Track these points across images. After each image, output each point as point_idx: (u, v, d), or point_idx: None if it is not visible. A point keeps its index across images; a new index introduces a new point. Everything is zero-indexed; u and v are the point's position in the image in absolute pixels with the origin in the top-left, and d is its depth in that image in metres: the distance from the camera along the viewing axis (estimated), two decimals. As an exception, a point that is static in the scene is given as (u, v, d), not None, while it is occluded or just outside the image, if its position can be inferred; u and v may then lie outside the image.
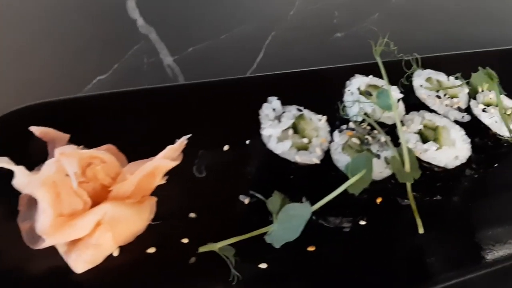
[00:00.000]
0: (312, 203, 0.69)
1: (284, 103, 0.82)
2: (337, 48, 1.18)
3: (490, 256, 0.83)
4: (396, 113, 0.75)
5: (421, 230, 0.80)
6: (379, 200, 0.84)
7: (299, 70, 0.97)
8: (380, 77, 0.84)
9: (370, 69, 0.91)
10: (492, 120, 0.85)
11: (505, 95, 0.99)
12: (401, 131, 0.74)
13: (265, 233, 0.70)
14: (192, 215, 0.76)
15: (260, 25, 1.18)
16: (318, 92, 0.85)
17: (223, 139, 0.86)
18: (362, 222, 0.82)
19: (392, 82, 0.93)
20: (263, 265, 0.73)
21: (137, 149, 0.79)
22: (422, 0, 1.41)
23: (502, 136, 0.84)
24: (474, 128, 0.86)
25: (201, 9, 1.16)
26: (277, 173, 0.77)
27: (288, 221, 0.70)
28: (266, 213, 0.72)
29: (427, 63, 1.01)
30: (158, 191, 0.76)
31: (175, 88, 0.90)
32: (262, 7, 1.22)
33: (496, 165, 0.92)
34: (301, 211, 0.69)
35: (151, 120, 0.85)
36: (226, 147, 0.86)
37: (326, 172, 0.74)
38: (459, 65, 1.02)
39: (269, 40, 1.14)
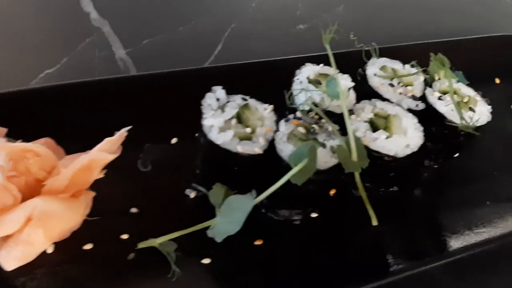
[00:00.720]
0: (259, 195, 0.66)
1: (235, 93, 0.79)
2: (299, 39, 1.15)
3: (446, 247, 0.80)
4: (343, 101, 0.72)
5: (374, 222, 0.78)
6: (332, 192, 0.82)
7: (252, 61, 0.94)
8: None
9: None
10: (447, 108, 0.82)
11: (467, 84, 0.97)
12: (348, 119, 0.72)
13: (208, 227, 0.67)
14: (134, 210, 0.73)
15: (219, 17, 1.15)
16: (271, 82, 0.82)
17: (171, 131, 0.84)
18: (314, 215, 0.79)
19: (351, 72, 0.91)
20: (206, 260, 0.70)
21: (79, 142, 0.76)
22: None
23: (458, 124, 0.81)
24: (430, 117, 0.83)
25: (159, 1, 1.14)
26: (221, 165, 0.74)
27: (231, 214, 0.67)
28: (213, 207, 0.69)
29: (389, 53, 0.99)
30: (98, 186, 0.73)
31: (122, 80, 0.87)
32: (221, 0, 1.19)
33: (451, 153, 0.90)
34: (243, 203, 0.66)
35: (95, 113, 0.81)
36: (174, 140, 0.83)
37: (271, 163, 0.71)
38: (421, 54, 0.99)
39: (228, 32, 1.12)
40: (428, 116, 0.84)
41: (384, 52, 0.98)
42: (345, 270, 0.75)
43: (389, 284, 0.73)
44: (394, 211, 0.82)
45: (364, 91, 0.85)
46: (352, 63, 0.94)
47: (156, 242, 0.68)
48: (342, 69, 0.87)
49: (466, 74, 1.00)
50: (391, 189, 0.85)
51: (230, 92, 0.78)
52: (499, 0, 1.53)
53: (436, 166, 0.91)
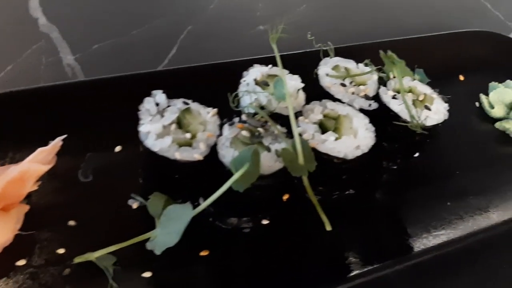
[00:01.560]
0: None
1: (181, 97, 0.76)
2: (259, 41, 1.12)
3: (404, 250, 0.77)
4: (289, 102, 0.69)
5: (328, 227, 0.75)
6: (285, 197, 0.79)
7: (200, 64, 0.91)
8: (289, 66, 0.79)
9: (285, 61, 0.86)
10: (401, 107, 0.79)
11: (429, 82, 0.94)
12: (294, 121, 0.69)
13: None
14: (72, 223, 0.70)
15: (176, 19, 1.12)
16: (219, 85, 0.78)
17: (115, 139, 0.80)
18: (265, 222, 0.76)
19: (307, 72, 0.88)
20: (147, 274, 0.67)
21: (15, 153, 0.73)
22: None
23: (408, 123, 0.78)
24: (384, 116, 0.80)
25: (110, 5, 1.10)
26: (160, 173, 0.70)
27: (170, 225, 0.63)
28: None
29: (348, 52, 0.97)
30: (35, 198, 0.69)
31: (62, 87, 0.83)
32: (178, 2, 1.16)
33: (410, 153, 0.87)
34: (182, 213, 0.63)
35: (36, 122, 0.78)
36: (118, 148, 0.79)
37: (213, 169, 0.67)
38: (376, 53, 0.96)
39: (184, 34, 1.08)
40: (382, 116, 0.81)
41: (344, 52, 0.96)
42: (297, 279, 0.71)
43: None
44: (351, 215, 0.79)
45: (315, 92, 0.82)
46: (309, 63, 0.91)
47: (93, 256, 0.65)
48: (298, 70, 0.84)
49: (430, 71, 0.98)
50: (347, 192, 0.82)
51: (175, 95, 0.74)
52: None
53: (395, 167, 0.88)
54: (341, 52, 0.96)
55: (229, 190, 0.63)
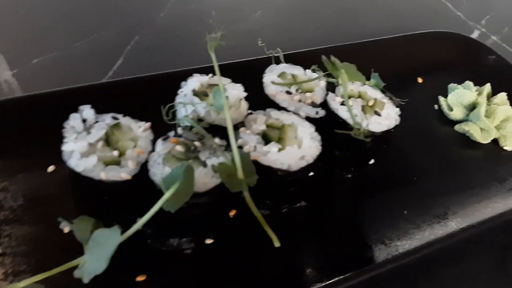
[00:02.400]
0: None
1: (115, 111, 0.71)
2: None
3: (359, 263, 0.73)
4: (227, 113, 0.65)
5: (276, 243, 0.70)
6: (232, 213, 0.74)
7: (141, 75, 0.86)
8: (236, 75, 0.75)
9: (232, 69, 0.83)
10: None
11: (384, 86, 0.91)
12: (232, 133, 0.64)
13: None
14: (-1, 250, 0.64)
15: (122, 30, 1.07)
16: (159, 97, 0.74)
17: (48, 158, 0.74)
18: (209, 241, 0.71)
19: (254, 80, 0.84)
20: (77, 304, 0.61)
21: None
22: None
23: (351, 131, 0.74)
24: (333, 123, 0.76)
25: (52, 18, 1.05)
26: (89, 195, 0.65)
27: (98, 251, 0.58)
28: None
29: (301, 58, 0.93)
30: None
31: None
32: (126, 11, 1.12)
33: (365, 160, 0.83)
34: (109, 237, 0.58)
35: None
36: (51, 168, 0.74)
37: (144, 189, 0.63)
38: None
39: (131, 45, 1.03)
40: (331, 123, 0.77)
41: (298, 58, 0.93)
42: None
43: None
44: (303, 228, 0.75)
45: (260, 101, 0.77)
46: (258, 71, 0.88)
47: (18, 286, 0.60)
48: (245, 78, 0.80)
49: (388, 74, 0.94)
50: (298, 205, 0.77)
51: (109, 110, 0.70)
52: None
53: (349, 176, 0.84)
54: (294, 58, 0.92)
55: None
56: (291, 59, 0.92)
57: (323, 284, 0.70)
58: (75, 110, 0.70)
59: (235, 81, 0.78)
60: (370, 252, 0.75)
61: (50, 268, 0.60)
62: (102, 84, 0.85)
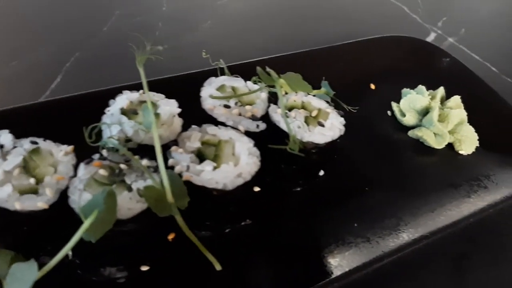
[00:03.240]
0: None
1: (37, 134, 0.67)
2: (156, 63, 1.03)
3: (306, 283, 0.69)
4: (154, 131, 0.61)
5: (217, 267, 0.66)
6: (171, 236, 0.69)
7: (68, 95, 0.81)
8: (173, 89, 0.71)
9: (171, 84, 0.79)
10: (293, 125, 0.72)
11: (334, 94, 0.87)
12: (159, 153, 0.61)
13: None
14: None
15: (62, 46, 1.02)
16: (87, 117, 0.69)
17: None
18: (144, 268, 0.66)
19: (192, 95, 0.80)
20: None
21: None
22: (257, 6, 1.30)
23: (306, 141, 0.71)
24: (273, 137, 0.73)
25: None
26: (6, 227, 0.60)
27: (16, 286, 0.54)
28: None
29: (247, 69, 0.88)
30: None
31: None
32: (67, 26, 1.07)
33: (307, 173, 0.79)
34: (26, 272, 0.54)
35: None
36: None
37: (64, 218, 0.58)
38: (284, 67, 0.88)
39: (71, 62, 0.99)
40: (273, 136, 0.73)
41: (242, 69, 0.89)
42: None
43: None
44: (249, 247, 0.71)
45: (197, 116, 0.73)
46: (198, 84, 0.84)
47: None
48: (182, 93, 0.76)
49: (340, 81, 0.91)
50: (242, 223, 0.73)
51: (27, 134, 0.65)
52: (382, 2, 1.46)
53: (297, 189, 0.80)
54: (240, 69, 0.89)
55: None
56: (236, 70, 0.88)
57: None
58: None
59: (170, 96, 0.74)
60: (320, 269, 0.71)
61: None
62: (24, 107, 0.80)
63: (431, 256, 0.77)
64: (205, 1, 1.27)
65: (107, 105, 0.73)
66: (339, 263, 0.72)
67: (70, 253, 0.58)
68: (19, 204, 0.56)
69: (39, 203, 0.57)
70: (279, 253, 0.73)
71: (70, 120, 0.70)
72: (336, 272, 0.71)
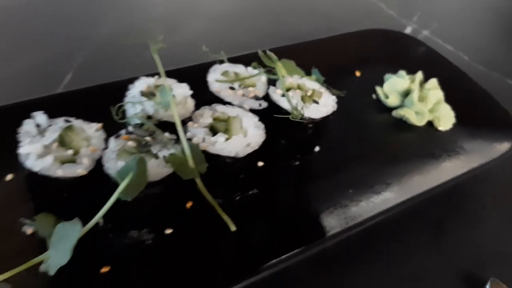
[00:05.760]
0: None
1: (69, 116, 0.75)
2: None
3: (309, 239, 0.78)
4: (174, 108, 0.70)
5: (232, 228, 0.75)
6: (189, 204, 0.78)
7: (90, 86, 0.90)
8: (182, 77, 0.80)
9: (178, 73, 0.88)
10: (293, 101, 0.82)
11: (323, 80, 0.98)
12: (180, 126, 0.70)
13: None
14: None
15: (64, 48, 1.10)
16: (110, 102, 0.78)
17: (5, 168, 0.77)
18: (168, 231, 0.75)
19: (199, 81, 0.89)
20: (46, 298, 0.64)
21: None
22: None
23: (304, 117, 0.81)
24: (274, 113, 0.82)
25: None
26: (47, 193, 0.69)
27: (60, 244, 0.62)
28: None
29: (244, 60, 0.98)
30: None
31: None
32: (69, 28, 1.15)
33: (304, 148, 0.89)
34: (70, 231, 0.62)
35: None
36: (9, 177, 0.77)
37: (100, 183, 0.67)
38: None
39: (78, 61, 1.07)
40: (274, 113, 0.83)
41: (237, 61, 0.98)
42: (207, 283, 0.70)
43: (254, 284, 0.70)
44: (256, 212, 0.80)
45: (206, 98, 0.83)
46: (203, 73, 0.93)
47: (-18, 286, 0.63)
48: (190, 80, 0.86)
49: (327, 71, 1.01)
50: (250, 192, 0.83)
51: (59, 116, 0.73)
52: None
53: (297, 163, 0.90)
54: (235, 62, 0.98)
55: (126, 203, 0.63)
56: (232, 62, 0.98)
57: (279, 259, 0.74)
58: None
59: (180, 81, 0.83)
60: (321, 227, 0.80)
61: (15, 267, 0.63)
62: (53, 96, 0.89)
63: (415, 217, 0.87)
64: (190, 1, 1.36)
65: (124, 93, 0.82)
66: (338, 222, 0.81)
67: (101, 220, 0.66)
68: (61, 171, 0.65)
69: (79, 170, 0.65)
70: (283, 215, 0.82)
71: (95, 104, 0.79)
72: (334, 230, 0.80)
